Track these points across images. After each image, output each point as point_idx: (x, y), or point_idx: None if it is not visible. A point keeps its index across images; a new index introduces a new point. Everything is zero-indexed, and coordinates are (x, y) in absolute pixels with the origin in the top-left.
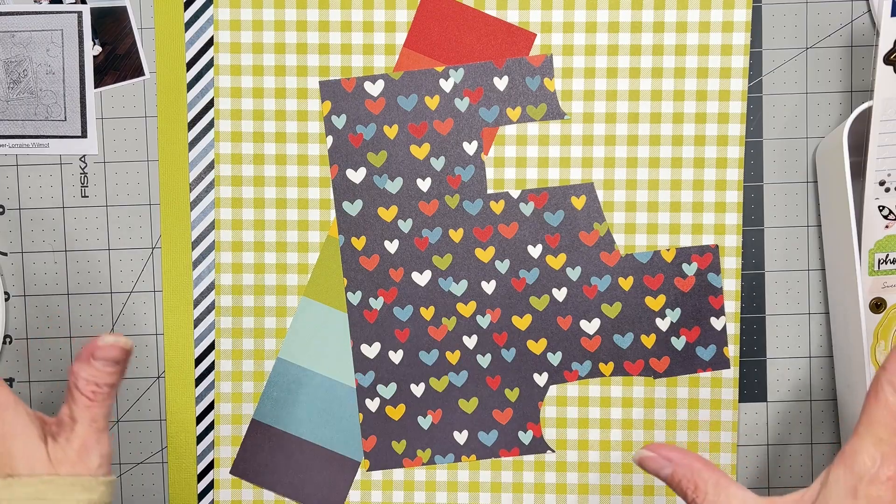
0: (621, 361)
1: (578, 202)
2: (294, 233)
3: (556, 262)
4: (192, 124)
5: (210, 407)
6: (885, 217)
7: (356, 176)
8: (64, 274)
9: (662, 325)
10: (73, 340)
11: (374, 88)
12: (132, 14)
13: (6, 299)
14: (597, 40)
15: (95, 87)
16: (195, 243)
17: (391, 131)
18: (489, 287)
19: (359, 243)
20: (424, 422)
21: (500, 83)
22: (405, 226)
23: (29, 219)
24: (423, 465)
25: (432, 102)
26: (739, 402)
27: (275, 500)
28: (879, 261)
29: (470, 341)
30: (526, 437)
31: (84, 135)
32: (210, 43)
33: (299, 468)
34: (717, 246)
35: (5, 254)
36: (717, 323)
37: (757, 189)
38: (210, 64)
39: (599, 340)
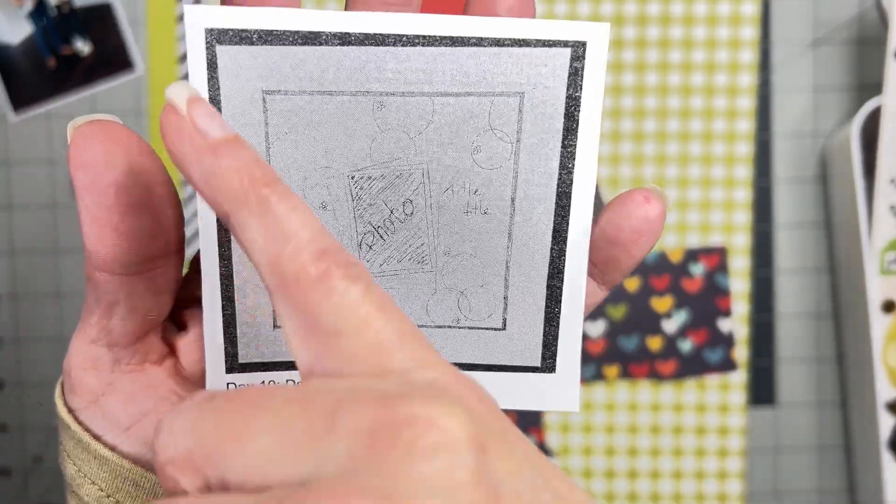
0: (627, 364)
1: None
2: None
3: None
4: None
5: None
6: None
7: None
8: (58, 273)
9: (669, 327)
10: (66, 343)
11: None
12: (120, 10)
13: None
14: None
15: (86, 85)
16: (189, 241)
17: None
18: None
19: None
20: None
21: None
22: None
23: (22, 218)
24: None
25: None
26: (748, 405)
27: None
28: (890, 261)
29: None
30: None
31: None
32: None
33: None
34: (724, 246)
35: None
36: (724, 325)
37: (766, 186)
38: None
39: (604, 343)
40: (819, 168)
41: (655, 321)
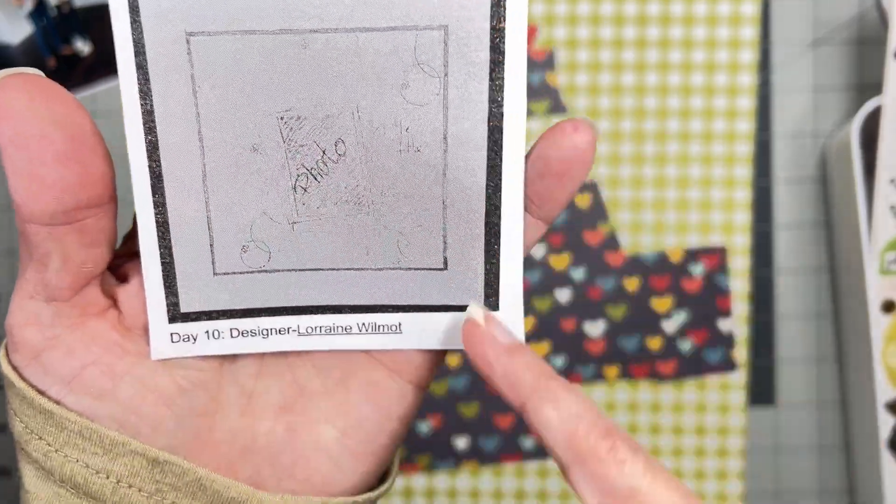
0: (627, 364)
1: (582, 200)
2: None
3: (559, 261)
4: None
5: None
6: None
7: None
8: None
9: (669, 327)
10: None
11: None
12: None
13: None
14: (601, 34)
15: (86, 85)
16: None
17: None
18: None
19: None
20: (423, 427)
21: None
22: None
23: None
24: (422, 472)
25: None
26: (748, 405)
27: None
28: (890, 261)
29: None
30: (528, 443)
31: None
32: None
33: None
34: (724, 246)
35: None
36: (724, 325)
37: (766, 186)
38: None
39: (604, 343)
40: (819, 168)
41: (655, 321)
